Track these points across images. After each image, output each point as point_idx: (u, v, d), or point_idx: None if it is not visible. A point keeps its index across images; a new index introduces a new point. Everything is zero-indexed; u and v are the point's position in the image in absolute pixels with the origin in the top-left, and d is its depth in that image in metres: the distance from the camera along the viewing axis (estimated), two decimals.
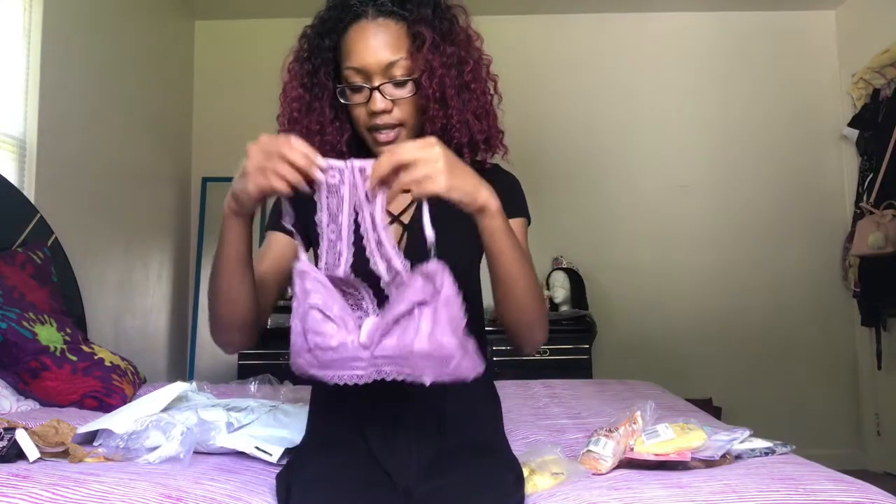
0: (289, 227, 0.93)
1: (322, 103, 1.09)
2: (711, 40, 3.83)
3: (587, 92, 3.82)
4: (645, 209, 3.74)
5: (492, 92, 1.12)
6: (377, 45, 1.03)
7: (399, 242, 1.10)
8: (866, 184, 3.37)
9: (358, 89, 1.05)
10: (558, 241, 3.61)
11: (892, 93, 3.30)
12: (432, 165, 0.84)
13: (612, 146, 3.77)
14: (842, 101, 3.69)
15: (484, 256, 1.12)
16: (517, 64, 3.80)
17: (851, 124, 3.53)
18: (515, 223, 1.12)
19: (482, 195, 0.90)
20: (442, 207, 1.08)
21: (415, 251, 1.08)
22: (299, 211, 1.00)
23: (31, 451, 1.06)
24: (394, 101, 1.04)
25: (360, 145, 1.12)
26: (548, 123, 3.77)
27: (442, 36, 1.05)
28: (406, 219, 1.12)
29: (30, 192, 2.28)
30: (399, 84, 1.04)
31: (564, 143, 3.77)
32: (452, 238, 1.08)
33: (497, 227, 0.93)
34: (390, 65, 1.03)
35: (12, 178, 2.20)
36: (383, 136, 1.06)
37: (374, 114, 1.04)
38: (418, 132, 1.07)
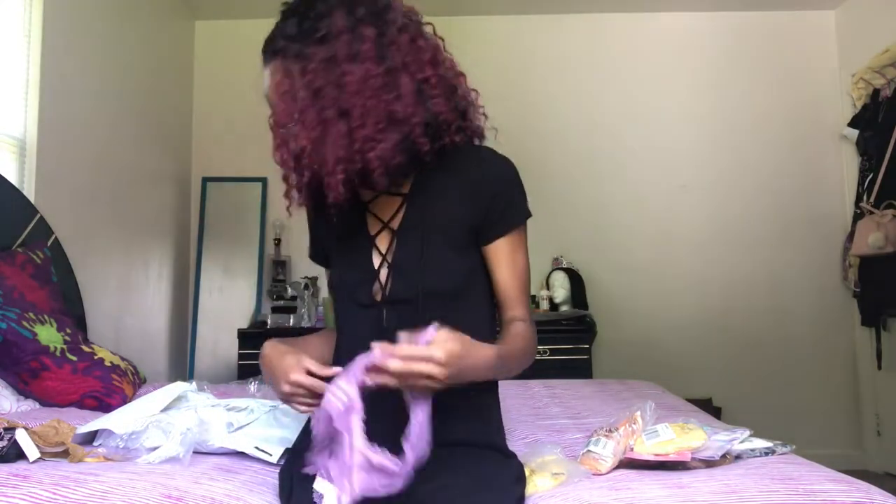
0: None
1: None
2: (711, 40, 3.83)
3: (587, 92, 3.82)
4: (645, 209, 3.73)
5: (422, 72, 1.03)
6: (273, 94, 1.05)
7: (389, 248, 1.10)
8: (866, 184, 3.37)
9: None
10: (558, 241, 3.61)
11: (892, 93, 3.30)
12: (431, 382, 0.88)
13: (612, 146, 3.77)
14: (842, 101, 3.69)
15: (488, 266, 1.14)
16: (517, 64, 3.81)
17: (851, 124, 3.53)
18: (514, 235, 1.11)
19: (476, 380, 0.96)
20: (433, 220, 1.08)
21: (401, 258, 1.08)
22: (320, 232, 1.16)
23: (32, 450, 1.06)
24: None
25: None
26: (547, 123, 3.77)
27: (301, 69, 1.01)
28: (395, 224, 1.11)
29: (30, 192, 2.28)
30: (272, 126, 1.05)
31: (564, 142, 3.77)
32: (448, 257, 1.08)
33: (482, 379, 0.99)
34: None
35: (12, 178, 2.20)
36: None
37: None
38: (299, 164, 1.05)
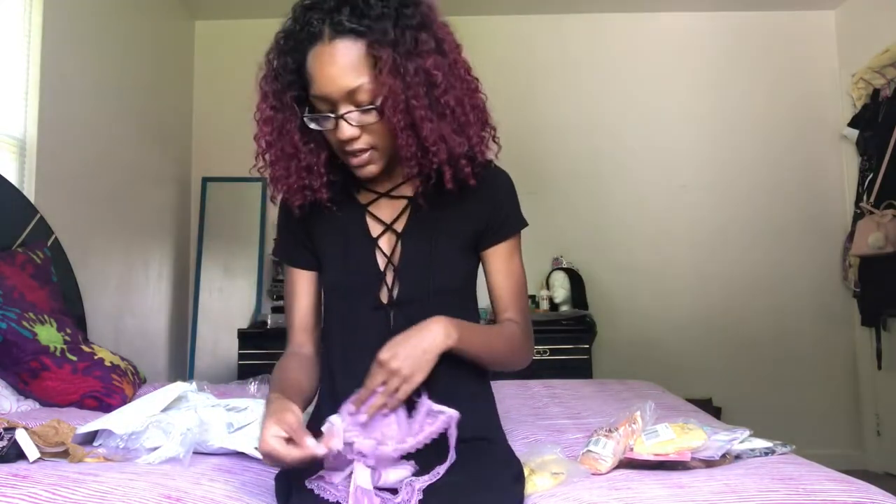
0: None
1: (292, 126, 1.05)
2: (711, 40, 3.83)
3: (587, 92, 3.82)
4: (645, 209, 3.73)
5: (475, 93, 1.05)
6: (336, 72, 0.97)
7: (393, 251, 1.11)
8: (866, 184, 3.37)
9: (325, 117, 1.02)
10: (558, 241, 3.61)
11: (892, 93, 3.30)
12: (396, 379, 0.96)
13: (612, 146, 3.77)
14: (842, 101, 3.69)
15: (480, 266, 1.19)
16: (517, 64, 3.81)
17: (851, 124, 3.53)
18: (511, 242, 1.16)
19: (444, 346, 1.00)
20: (437, 223, 1.09)
21: (409, 261, 1.09)
22: (306, 231, 1.17)
23: (31, 451, 1.06)
24: (362, 127, 1.01)
25: (338, 166, 1.11)
26: (547, 123, 3.77)
27: (405, 54, 0.97)
28: (399, 227, 1.12)
29: (30, 192, 2.28)
30: (365, 110, 0.99)
31: (564, 142, 3.77)
32: (453, 259, 1.10)
33: (459, 351, 1.04)
34: (353, 91, 0.98)
35: (12, 178, 2.20)
36: (356, 160, 1.04)
37: (342, 140, 1.02)
38: (393, 151, 1.05)
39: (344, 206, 1.14)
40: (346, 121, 1.00)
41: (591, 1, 3.74)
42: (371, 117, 1.00)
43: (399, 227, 1.12)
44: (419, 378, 0.97)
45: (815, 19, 3.80)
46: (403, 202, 1.12)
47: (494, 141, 1.10)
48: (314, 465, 0.95)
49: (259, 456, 1.16)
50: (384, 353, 0.97)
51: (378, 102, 0.98)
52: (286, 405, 0.92)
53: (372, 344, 1.02)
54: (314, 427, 0.96)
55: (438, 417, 0.95)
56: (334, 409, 0.98)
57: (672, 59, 3.82)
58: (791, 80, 3.77)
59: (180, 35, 3.75)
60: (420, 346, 0.98)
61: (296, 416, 0.90)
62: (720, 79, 3.80)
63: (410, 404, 0.99)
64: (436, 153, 1.00)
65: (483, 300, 1.20)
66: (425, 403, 0.96)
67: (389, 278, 1.10)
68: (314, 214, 1.15)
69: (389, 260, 1.11)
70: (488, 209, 1.12)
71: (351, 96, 0.99)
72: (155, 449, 1.15)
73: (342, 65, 0.98)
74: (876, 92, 3.40)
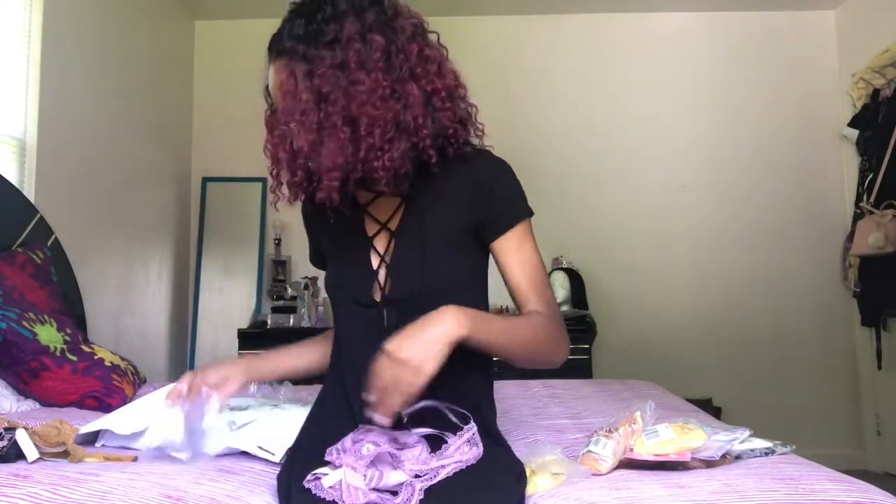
0: None
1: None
2: (711, 40, 3.83)
3: (587, 92, 3.82)
4: (645, 209, 3.74)
5: (431, 83, 1.02)
6: (276, 92, 1.05)
7: (387, 249, 1.12)
8: (866, 184, 3.37)
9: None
10: (558, 241, 3.61)
11: (892, 93, 3.30)
12: (406, 371, 0.92)
13: (611, 146, 3.77)
14: (842, 101, 3.69)
15: (494, 263, 1.16)
16: (516, 64, 3.81)
17: (851, 124, 3.53)
18: (517, 231, 1.12)
19: (455, 335, 0.95)
20: (430, 220, 1.09)
21: (400, 258, 1.09)
22: (316, 234, 1.22)
23: (31, 451, 1.06)
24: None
25: None
26: (547, 123, 3.77)
27: (306, 72, 0.99)
28: (393, 225, 1.13)
29: (30, 192, 2.28)
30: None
31: (564, 142, 3.77)
32: (447, 256, 1.09)
33: (478, 343, 0.99)
34: None
35: (12, 178, 2.20)
36: None
37: None
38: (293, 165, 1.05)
39: (346, 207, 1.15)
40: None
41: (590, 1, 3.75)
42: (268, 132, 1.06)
43: (393, 225, 1.12)
44: (429, 369, 0.92)
45: (815, 19, 3.80)
46: (398, 201, 1.13)
47: (465, 128, 1.08)
48: (313, 464, 0.96)
49: (260, 455, 1.16)
50: (391, 344, 0.94)
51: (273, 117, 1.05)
52: (235, 367, 1.21)
53: (367, 341, 1.04)
54: (319, 411, 1.14)
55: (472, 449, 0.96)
56: (336, 403, 1.07)
57: (672, 59, 3.82)
58: (791, 80, 3.77)
59: (180, 35, 3.75)
60: (429, 335, 0.94)
61: (221, 376, 1.17)
62: (720, 79, 3.80)
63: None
64: (375, 161, 1.00)
65: (502, 299, 1.17)
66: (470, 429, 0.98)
67: (382, 276, 1.11)
68: (319, 218, 1.17)
69: (383, 258, 1.12)
70: (481, 201, 1.10)
71: None
72: (155, 449, 1.15)
73: (275, 85, 1.06)
74: (876, 92, 3.40)
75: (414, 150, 1.02)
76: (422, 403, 0.96)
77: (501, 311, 2.95)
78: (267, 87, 1.10)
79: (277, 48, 1.04)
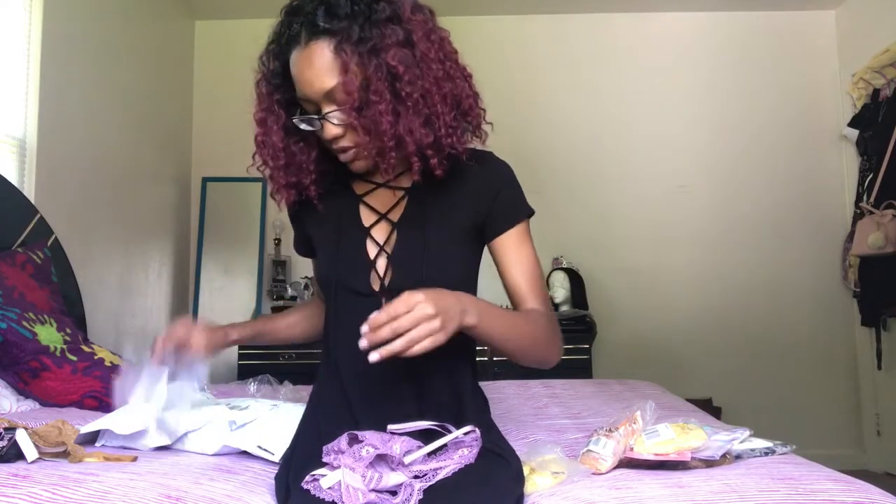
0: None
1: (279, 125, 1.09)
2: (711, 40, 3.83)
3: (587, 92, 3.82)
4: (645, 209, 3.74)
5: (444, 81, 1.03)
6: (313, 74, 1.01)
7: (387, 239, 1.12)
8: (866, 184, 3.37)
9: (310, 118, 1.06)
10: (558, 241, 3.61)
11: (892, 93, 3.30)
12: (431, 324, 0.87)
13: (611, 146, 3.77)
14: (842, 101, 3.69)
15: (493, 264, 1.17)
16: (517, 64, 3.81)
17: (851, 124, 3.53)
18: (517, 231, 1.14)
19: (466, 321, 0.94)
20: (433, 214, 1.09)
21: (403, 249, 1.09)
22: (304, 224, 1.21)
23: (30, 451, 1.06)
24: (345, 125, 1.03)
25: (331, 158, 1.13)
26: (548, 123, 3.77)
27: (370, 50, 0.99)
28: (394, 217, 1.13)
29: (30, 192, 2.28)
30: (344, 109, 1.01)
31: (564, 143, 3.77)
32: (449, 250, 1.10)
33: (481, 333, 0.98)
34: (330, 91, 1.01)
35: (12, 178, 2.20)
36: (344, 156, 1.09)
37: (328, 140, 1.06)
38: (377, 148, 1.05)
39: (339, 197, 1.16)
40: (328, 121, 1.03)
41: (591, 1, 3.75)
42: (348, 116, 1.01)
43: (395, 216, 1.12)
44: (451, 329, 0.89)
45: (815, 19, 3.80)
46: (400, 192, 1.13)
47: (477, 134, 1.09)
48: (313, 465, 0.96)
49: (261, 455, 1.16)
50: (417, 295, 0.88)
51: (353, 101, 1.00)
52: (225, 331, 1.25)
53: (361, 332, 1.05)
54: (314, 409, 1.12)
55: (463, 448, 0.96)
56: (333, 402, 1.07)
57: (672, 59, 3.82)
58: (791, 80, 3.77)
59: (180, 35, 3.75)
60: (454, 306, 0.91)
61: (206, 337, 1.20)
62: (720, 79, 3.80)
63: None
64: (407, 145, 1.01)
65: (496, 297, 1.18)
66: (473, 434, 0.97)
67: (381, 266, 1.11)
68: (310, 208, 1.18)
69: (383, 248, 1.11)
70: (485, 200, 1.12)
71: (330, 96, 1.02)
72: (157, 448, 1.15)
73: (317, 67, 1.00)
74: (876, 92, 3.40)
75: (466, 131, 1.06)
76: (411, 425, 0.96)
77: None
78: (268, 73, 1.09)
79: (313, 29, 1.00)
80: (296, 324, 1.37)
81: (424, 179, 1.09)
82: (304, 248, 1.28)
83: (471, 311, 0.95)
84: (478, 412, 1.13)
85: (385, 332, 0.86)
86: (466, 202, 1.12)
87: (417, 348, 0.86)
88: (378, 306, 1.07)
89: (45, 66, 2.35)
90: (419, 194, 1.12)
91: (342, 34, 0.99)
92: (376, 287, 1.10)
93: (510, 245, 1.13)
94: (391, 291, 1.08)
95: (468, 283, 1.15)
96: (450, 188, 1.11)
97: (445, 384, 1.09)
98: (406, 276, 1.08)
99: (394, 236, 1.11)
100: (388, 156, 1.03)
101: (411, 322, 0.86)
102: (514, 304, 1.15)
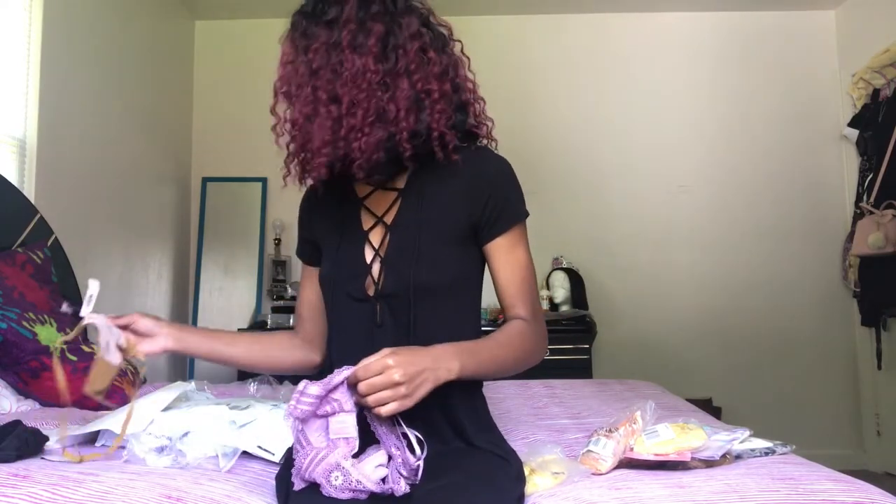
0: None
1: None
2: (711, 40, 3.83)
3: (587, 92, 3.82)
4: (645, 209, 3.74)
5: (426, 83, 1.03)
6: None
7: (381, 243, 1.11)
8: (866, 184, 3.37)
9: None
10: (558, 241, 3.61)
11: (892, 93, 3.30)
12: (396, 391, 0.90)
13: (611, 146, 3.78)
14: (842, 101, 3.69)
15: (486, 266, 1.16)
16: (517, 64, 3.81)
17: (851, 124, 3.53)
18: (511, 234, 1.12)
19: (443, 378, 0.95)
20: (426, 216, 1.09)
21: (395, 252, 1.09)
22: (311, 228, 1.22)
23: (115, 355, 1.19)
24: None
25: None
26: (548, 123, 3.77)
27: (316, 39, 1.04)
28: (389, 219, 1.12)
29: (30, 192, 2.28)
30: None
31: (564, 143, 3.77)
32: (442, 252, 1.09)
33: (464, 378, 0.99)
34: None
35: (12, 178, 2.20)
36: None
37: None
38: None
39: (343, 201, 1.16)
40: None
41: (592, 1, 3.75)
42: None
43: (389, 219, 1.12)
44: (409, 404, 0.92)
45: (815, 19, 3.80)
46: (394, 194, 1.13)
47: (446, 127, 1.06)
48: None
49: (261, 455, 1.16)
50: (390, 359, 0.91)
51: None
52: (168, 329, 1.29)
53: (359, 336, 1.07)
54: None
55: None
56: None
57: (672, 59, 3.83)
58: (791, 80, 3.77)
59: (180, 35, 3.75)
60: (427, 370, 0.94)
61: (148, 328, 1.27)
62: (720, 79, 3.80)
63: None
64: (355, 143, 1.03)
65: (488, 298, 1.17)
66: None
67: (376, 271, 1.10)
68: (317, 211, 1.19)
69: (377, 252, 1.11)
70: (482, 201, 1.09)
71: None
72: (156, 449, 1.15)
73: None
74: (876, 92, 3.40)
75: (390, 140, 1.03)
76: (372, 450, 0.95)
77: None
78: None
79: (291, 21, 1.09)
80: (254, 352, 1.28)
81: (418, 180, 1.09)
82: (307, 253, 1.27)
83: (450, 367, 0.97)
84: (477, 412, 1.13)
85: (362, 388, 0.90)
86: (460, 202, 1.10)
87: (384, 410, 0.90)
88: (372, 311, 1.09)
89: (45, 66, 2.35)
90: (413, 195, 1.11)
91: (295, 28, 1.08)
92: (371, 292, 1.10)
93: (501, 250, 1.12)
94: (385, 297, 1.08)
95: (465, 284, 1.13)
96: (444, 188, 1.09)
97: (444, 384, 1.08)
98: (397, 281, 1.07)
99: (387, 239, 1.11)
100: (292, 142, 1.07)
101: (381, 386, 0.89)
102: (502, 308, 1.15)
